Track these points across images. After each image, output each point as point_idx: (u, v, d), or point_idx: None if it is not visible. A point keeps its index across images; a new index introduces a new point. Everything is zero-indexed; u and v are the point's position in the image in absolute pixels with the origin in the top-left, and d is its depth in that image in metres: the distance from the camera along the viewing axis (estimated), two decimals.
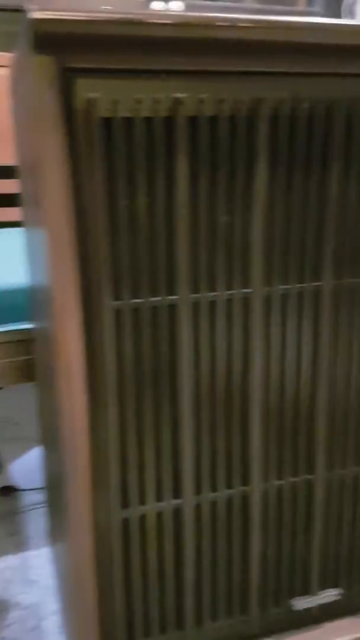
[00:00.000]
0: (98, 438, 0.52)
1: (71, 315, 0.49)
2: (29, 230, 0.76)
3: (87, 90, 0.46)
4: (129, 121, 0.47)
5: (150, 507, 0.55)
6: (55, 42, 0.42)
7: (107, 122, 0.47)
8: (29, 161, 0.57)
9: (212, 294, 0.53)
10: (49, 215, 0.46)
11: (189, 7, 1.35)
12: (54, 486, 0.75)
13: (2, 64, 1.17)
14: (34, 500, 1.03)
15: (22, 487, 1.06)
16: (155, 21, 0.42)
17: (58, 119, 0.45)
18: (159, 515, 0.56)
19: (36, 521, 0.98)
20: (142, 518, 0.55)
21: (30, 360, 0.91)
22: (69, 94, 0.45)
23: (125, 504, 0.54)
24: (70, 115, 0.46)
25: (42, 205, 0.47)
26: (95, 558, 0.54)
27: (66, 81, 0.45)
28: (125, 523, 0.55)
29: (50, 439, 0.74)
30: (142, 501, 0.55)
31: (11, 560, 0.89)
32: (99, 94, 0.46)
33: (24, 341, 0.89)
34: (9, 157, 1.22)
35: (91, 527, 0.53)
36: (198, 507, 0.57)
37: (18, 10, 1.30)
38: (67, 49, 0.43)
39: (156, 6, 1.26)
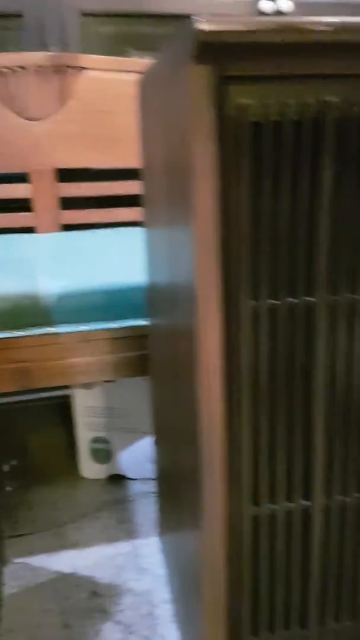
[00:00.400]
0: (232, 435, 0.54)
1: (213, 314, 0.50)
2: (151, 231, 0.79)
3: (239, 96, 0.47)
4: (276, 125, 0.48)
5: (280, 507, 0.56)
6: (216, 52, 0.43)
7: (255, 126, 0.48)
8: (167, 164, 0.59)
9: (352, 296, 0.53)
10: (198, 216, 0.48)
11: (298, 5, 1.35)
12: (170, 478, 0.78)
13: (126, 68, 1.21)
14: (141, 489, 1.07)
15: (130, 476, 1.09)
16: (316, 28, 0.42)
17: (211, 125, 0.46)
18: (288, 514, 0.56)
19: (145, 510, 1.01)
20: (272, 516, 0.56)
21: (144, 356, 0.94)
22: (221, 100, 0.47)
23: (256, 501, 0.56)
24: (222, 121, 0.47)
25: (191, 208, 0.48)
26: (226, 552, 0.55)
27: (219, 89, 0.46)
28: (255, 520, 0.56)
29: (168, 432, 0.76)
30: (273, 500, 0.56)
31: (122, 547, 0.93)
32: (250, 100, 0.47)
33: (138, 337, 0.93)
34: (122, 159, 1.26)
35: (224, 521, 0.54)
36: (327, 510, 0.57)
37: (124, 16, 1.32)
38: (225, 58, 0.44)
39: (265, 6, 1.27)
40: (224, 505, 0.54)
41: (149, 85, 0.68)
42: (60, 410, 1.34)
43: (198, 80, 0.45)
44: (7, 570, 0.89)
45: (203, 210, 0.48)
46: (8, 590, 0.85)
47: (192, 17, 0.42)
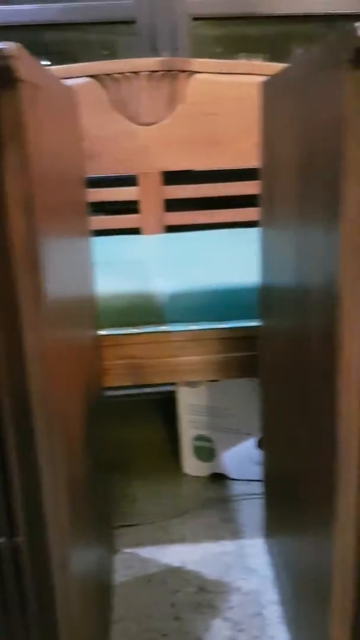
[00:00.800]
0: None
1: (357, 319, 0.50)
2: (270, 231, 0.79)
3: None
4: None
5: None
6: None
7: None
8: (304, 165, 0.59)
9: None
10: (346, 218, 0.48)
11: None
12: (283, 481, 0.78)
13: (237, 71, 1.22)
14: (244, 490, 1.07)
15: (233, 476, 1.10)
16: None
17: None
18: None
19: (249, 511, 1.01)
20: None
21: (253, 357, 0.94)
22: None
23: None
24: None
25: (339, 209, 0.48)
26: (356, 558, 0.55)
27: None
28: None
29: (283, 435, 0.76)
30: None
31: (227, 545, 0.94)
32: None
33: (247, 338, 0.93)
34: (226, 161, 1.28)
35: (356, 528, 0.54)
36: None
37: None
38: None
39: None
40: (357, 512, 0.53)
41: (279, 87, 0.69)
42: (164, 406, 1.37)
43: (354, 84, 0.45)
44: (117, 559, 0.92)
45: (352, 212, 0.48)
46: (119, 578, 0.88)
47: (354, 24, 0.42)
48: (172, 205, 1.32)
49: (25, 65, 0.43)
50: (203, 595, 0.84)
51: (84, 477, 0.64)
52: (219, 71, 1.24)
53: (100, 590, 0.75)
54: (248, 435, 1.07)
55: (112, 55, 1.43)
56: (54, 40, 1.41)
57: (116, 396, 1.41)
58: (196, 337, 0.94)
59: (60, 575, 0.53)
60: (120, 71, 1.22)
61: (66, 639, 0.55)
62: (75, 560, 0.56)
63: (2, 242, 0.45)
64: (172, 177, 1.29)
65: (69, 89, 0.72)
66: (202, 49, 1.40)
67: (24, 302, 0.46)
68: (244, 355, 0.95)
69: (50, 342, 0.49)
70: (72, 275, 0.65)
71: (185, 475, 1.13)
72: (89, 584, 0.66)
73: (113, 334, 0.91)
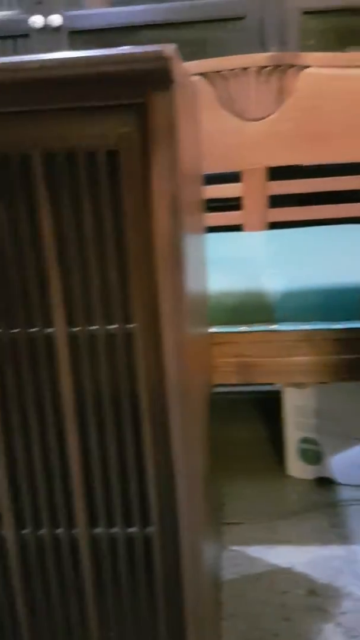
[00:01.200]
0: None
1: None
2: None
3: None
4: None
5: None
6: None
7: None
8: None
9: None
10: None
11: None
12: None
13: (349, 64, 1.19)
14: (353, 495, 1.04)
15: (340, 481, 1.08)
16: None
17: None
18: None
19: (359, 516, 0.99)
20: None
21: None
22: None
23: None
24: None
25: None
26: None
27: None
28: None
29: None
30: None
31: (337, 550, 0.92)
32: None
33: (357, 339, 0.90)
34: (333, 155, 1.24)
35: None
36: None
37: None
38: None
39: None
40: None
41: None
42: (267, 406, 1.36)
43: None
44: (225, 556, 0.92)
45: None
46: (226, 576, 0.89)
47: None
48: (272, 201, 1.30)
49: (177, 66, 0.44)
50: (313, 599, 0.83)
51: (206, 471, 0.65)
52: (330, 64, 1.21)
53: (213, 586, 0.75)
54: (357, 440, 1.04)
55: (202, 52, 1.43)
56: (148, 40, 1.42)
57: (219, 393, 1.42)
58: (307, 338, 0.93)
59: (191, 566, 0.54)
60: (230, 68, 1.22)
61: (192, 631, 0.56)
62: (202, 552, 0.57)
63: (148, 240, 0.46)
64: (273, 173, 1.28)
65: (194, 86, 0.73)
66: (305, 43, 1.37)
67: (165, 299, 0.47)
68: (357, 358, 0.93)
69: (185, 338, 0.50)
70: (196, 272, 0.66)
71: (289, 477, 1.11)
72: (208, 578, 0.67)
73: (223, 332, 0.92)
